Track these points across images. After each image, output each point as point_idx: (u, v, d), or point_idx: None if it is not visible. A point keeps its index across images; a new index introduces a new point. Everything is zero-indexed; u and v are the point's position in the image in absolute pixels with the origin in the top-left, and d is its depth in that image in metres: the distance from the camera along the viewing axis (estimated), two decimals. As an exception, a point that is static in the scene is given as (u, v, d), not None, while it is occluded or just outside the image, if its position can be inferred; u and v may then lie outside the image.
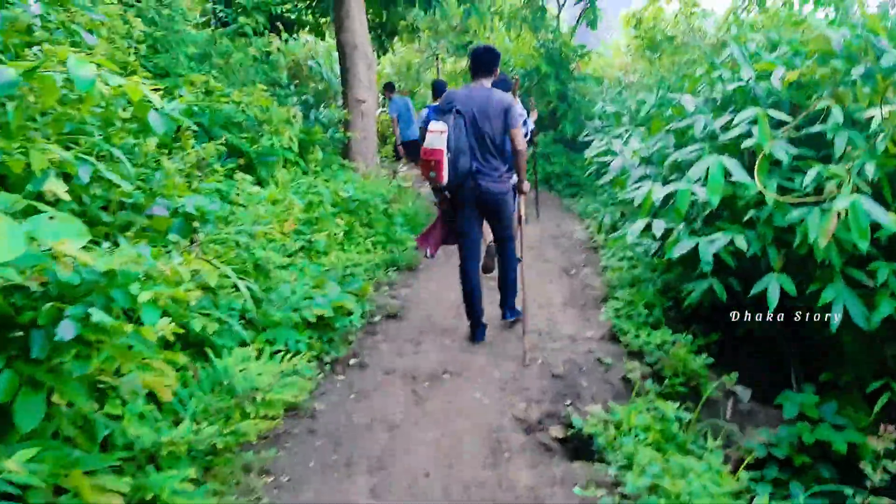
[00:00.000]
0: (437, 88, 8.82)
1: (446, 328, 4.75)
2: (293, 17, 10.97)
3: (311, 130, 7.54)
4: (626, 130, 7.80)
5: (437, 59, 15.45)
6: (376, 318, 4.84)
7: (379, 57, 12.73)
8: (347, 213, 6.17)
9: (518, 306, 4.75)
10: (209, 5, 8.83)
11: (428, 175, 4.14)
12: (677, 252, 4.12)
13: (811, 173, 3.75)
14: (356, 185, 6.66)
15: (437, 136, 4.05)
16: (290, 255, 4.73)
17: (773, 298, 3.80)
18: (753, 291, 3.89)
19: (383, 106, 12.17)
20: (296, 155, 6.79)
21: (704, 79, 5.46)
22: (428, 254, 4.64)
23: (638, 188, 4.95)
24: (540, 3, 11.86)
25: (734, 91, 4.70)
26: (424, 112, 8.54)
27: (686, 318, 4.58)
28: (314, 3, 11.43)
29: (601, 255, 6.46)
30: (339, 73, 11.75)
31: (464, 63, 15.29)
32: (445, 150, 4.03)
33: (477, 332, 4.52)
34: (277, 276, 4.03)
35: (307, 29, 12.78)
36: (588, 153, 6.88)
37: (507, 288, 4.70)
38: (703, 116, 4.79)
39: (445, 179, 4.09)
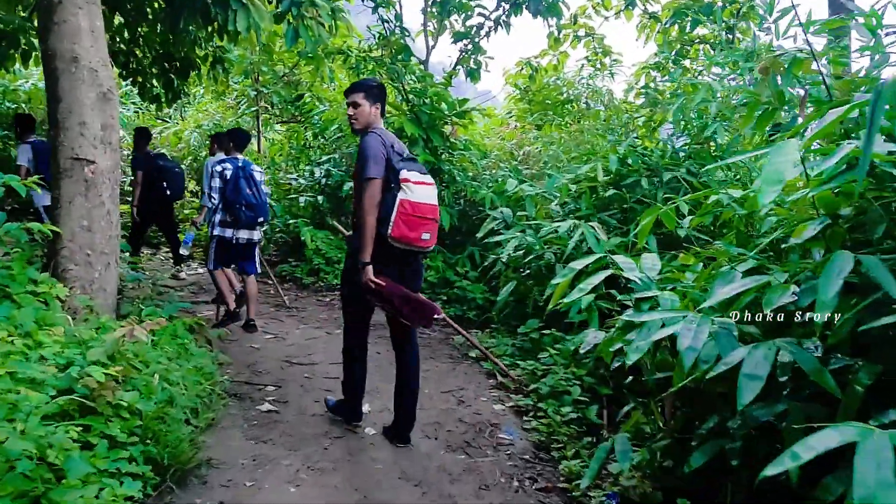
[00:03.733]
0: (241, 139, 6.40)
1: None
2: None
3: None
4: (574, 226, 4.52)
5: (258, 118, 11.72)
6: None
7: (166, 104, 8.81)
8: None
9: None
10: None
11: (419, 238, 3.58)
12: None
13: None
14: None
15: (431, 189, 3.68)
16: None
17: None
18: None
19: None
20: None
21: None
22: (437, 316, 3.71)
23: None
24: (402, 42, 8.60)
25: None
26: (215, 165, 6.23)
27: None
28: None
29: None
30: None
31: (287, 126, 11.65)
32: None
33: (359, 411, 4.09)
34: None
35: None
36: (564, 291, 3.35)
37: (413, 393, 3.84)
38: None
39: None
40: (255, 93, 10.86)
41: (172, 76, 8.39)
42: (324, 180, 9.45)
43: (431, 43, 9.53)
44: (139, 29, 7.96)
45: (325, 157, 9.43)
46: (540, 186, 5.91)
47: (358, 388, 4.04)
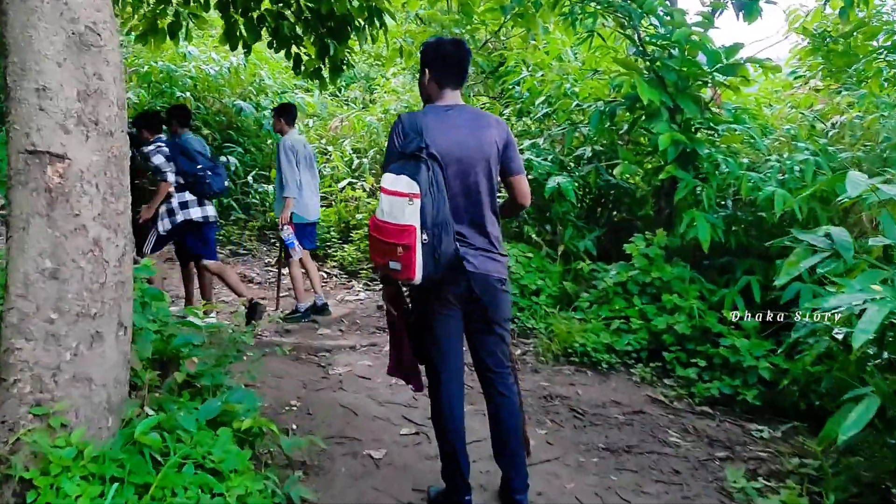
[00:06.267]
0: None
1: None
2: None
3: None
4: None
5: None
6: None
7: (329, 79, 6.97)
8: None
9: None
10: None
11: (386, 266, 2.67)
12: None
13: None
14: None
15: (405, 203, 2.58)
16: None
17: None
18: None
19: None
20: None
21: None
22: (413, 388, 3.16)
23: None
24: (636, -30, 5.82)
25: None
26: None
27: None
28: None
29: None
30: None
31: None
32: (419, 228, 2.55)
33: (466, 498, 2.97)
34: None
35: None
36: None
37: (517, 453, 2.94)
38: None
39: (419, 275, 2.58)
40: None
41: (327, 41, 6.49)
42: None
43: (682, -31, 6.61)
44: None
45: (527, 143, 6.94)
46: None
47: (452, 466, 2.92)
